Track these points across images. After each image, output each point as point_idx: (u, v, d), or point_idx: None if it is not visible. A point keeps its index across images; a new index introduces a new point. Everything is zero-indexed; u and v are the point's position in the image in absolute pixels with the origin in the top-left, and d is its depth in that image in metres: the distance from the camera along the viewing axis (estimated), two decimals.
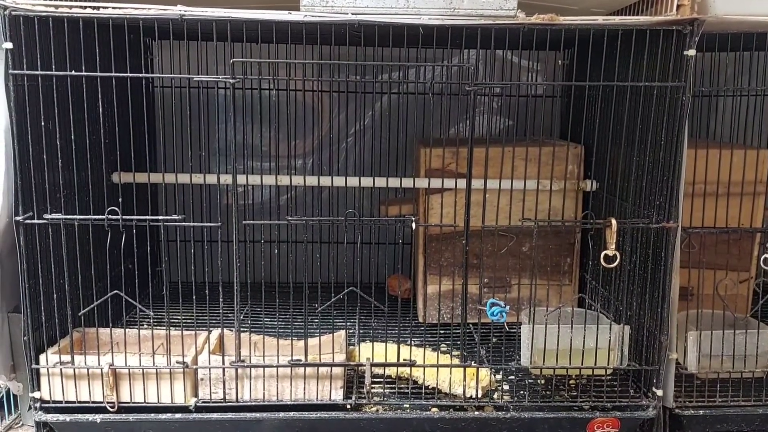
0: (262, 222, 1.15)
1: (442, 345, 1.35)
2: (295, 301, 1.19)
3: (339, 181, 1.38)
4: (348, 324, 1.40)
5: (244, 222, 1.10)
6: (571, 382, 1.25)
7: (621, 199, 1.29)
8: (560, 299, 1.52)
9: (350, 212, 1.09)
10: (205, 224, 1.10)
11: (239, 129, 1.60)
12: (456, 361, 1.24)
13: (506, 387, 1.26)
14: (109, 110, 1.18)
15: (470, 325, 1.42)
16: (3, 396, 1.21)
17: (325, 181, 1.35)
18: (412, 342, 1.30)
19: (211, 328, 1.26)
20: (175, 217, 1.08)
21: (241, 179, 1.38)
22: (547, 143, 1.52)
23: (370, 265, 1.69)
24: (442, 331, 1.47)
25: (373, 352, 1.23)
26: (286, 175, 1.51)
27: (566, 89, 1.70)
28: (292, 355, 1.14)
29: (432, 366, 1.18)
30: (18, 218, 1.06)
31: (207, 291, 1.12)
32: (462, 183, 1.17)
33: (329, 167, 1.69)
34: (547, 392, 1.23)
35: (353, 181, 1.33)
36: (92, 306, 1.10)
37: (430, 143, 1.51)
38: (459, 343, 1.19)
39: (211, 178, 1.40)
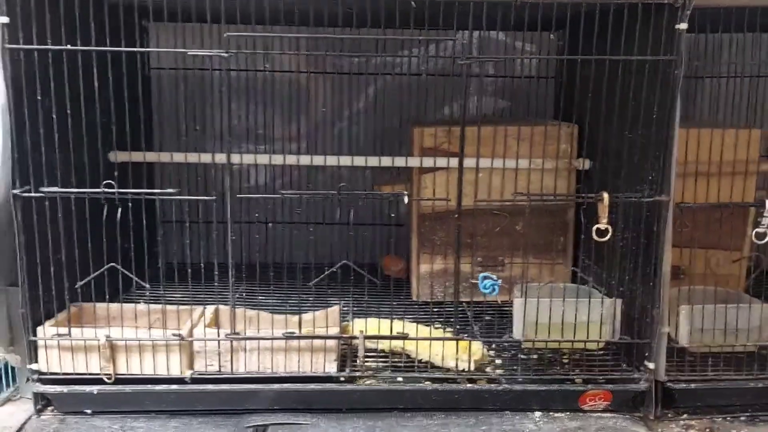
0: (256, 196, 1.16)
1: (435, 323, 1.36)
2: (289, 279, 1.21)
3: (332, 160, 1.39)
4: (342, 302, 1.42)
5: (238, 196, 1.11)
6: (563, 355, 1.26)
7: (614, 176, 1.30)
8: (554, 277, 1.53)
9: (343, 185, 1.10)
10: (201, 198, 1.11)
11: (233, 110, 1.61)
12: (449, 335, 1.25)
13: (498, 362, 1.27)
14: (104, 88, 1.19)
15: (463, 303, 1.44)
16: (1, 369, 1.22)
17: (319, 160, 1.36)
18: (406, 319, 1.31)
19: (206, 305, 1.28)
20: (170, 190, 1.09)
21: (236, 158, 1.39)
22: (540, 122, 1.53)
23: (363, 245, 1.70)
24: (435, 309, 1.48)
25: (366, 327, 1.25)
26: (281, 154, 1.53)
27: (559, 70, 1.71)
28: (286, 329, 1.15)
29: (425, 339, 1.19)
30: (15, 191, 1.07)
31: (202, 268, 1.13)
32: (454, 162, 1.18)
33: (323, 148, 1.70)
34: (540, 366, 1.24)
35: (346, 160, 1.34)
36: (89, 278, 1.11)
37: (424, 123, 1.52)
38: (452, 319, 1.21)
39: (206, 157, 1.41)
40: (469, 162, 1.17)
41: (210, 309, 1.26)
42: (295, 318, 1.22)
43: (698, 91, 1.76)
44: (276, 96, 1.67)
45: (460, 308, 1.48)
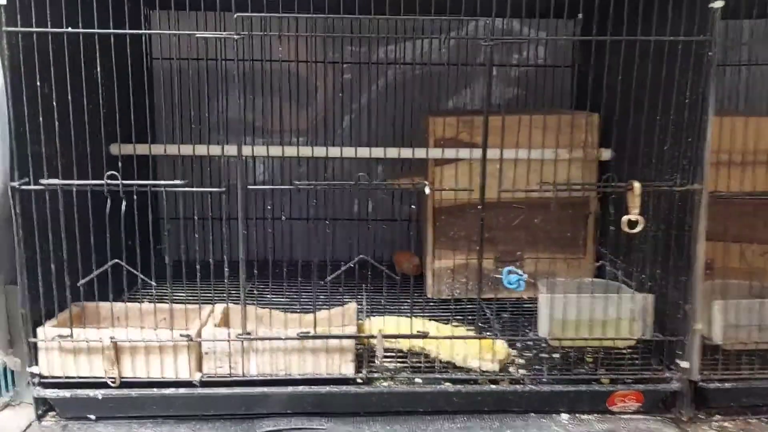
0: (269, 187, 1.10)
1: (453, 321, 1.30)
2: (302, 276, 1.14)
3: (348, 152, 1.33)
4: (357, 300, 1.36)
5: (250, 187, 1.05)
6: (589, 354, 1.20)
7: (642, 165, 1.24)
8: (575, 272, 1.47)
9: (362, 175, 1.04)
10: (210, 189, 1.05)
11: (242, 101, 1.56)
12: (471, 334, 1.19)
13: (521, 361, 1.21)
14: (107, 77, 1.13)
15: (482, 302, 1.38)
16: (0, 372, 1.16)
17: (335, 151, 1.30)
18: (423, 317, 1.25)
19: (215, 304, 1.22)
20: (177, 182, 1.03)
21: (247, 150, 1.33)
22: (564, 112, 1.47)
23: (375, 242, 1.65)
24: (452, 306, 1.42)
25: (384, 325, 1.19)
26: (293, 146, 1.47)
27: (581, 57, 1.65)
28: (300, 328, 1.10)
29: (447, 338, 1.13)
30: (14, 184, 1.01)
31: (211, 265, 1.07)
32: (476, 153, 1.13)
33: (333, 140, 1.64)
34: (565, 366, 1.18)
35: (363, 152, 1.28)
36: (92, 276, 1.05)
37: (438, 113, 1.46)
38: (472, 317, 1.15)
39: (216, 150, 1.35)
40: (491, 153, 1.11)
41: (219, 308, 1.20)
42: (309, 317, 1.16)
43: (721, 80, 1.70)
44: (285, 86, 1.61)
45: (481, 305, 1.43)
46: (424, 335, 1.10)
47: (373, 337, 1.11)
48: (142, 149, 1.34)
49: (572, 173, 1.39)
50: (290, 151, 1.39)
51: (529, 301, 1.40)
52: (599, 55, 1.18)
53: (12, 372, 1.16)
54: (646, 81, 1.13)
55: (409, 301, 1.12)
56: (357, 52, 1.70)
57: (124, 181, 1.02)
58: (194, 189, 1.04)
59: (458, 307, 1.42)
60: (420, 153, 1.39)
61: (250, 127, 1.61)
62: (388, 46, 1.73)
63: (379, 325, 1.20)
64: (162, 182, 1.03)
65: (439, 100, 1.73)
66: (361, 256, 1.07)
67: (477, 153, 1.16)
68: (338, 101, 1.67)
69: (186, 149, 1.32)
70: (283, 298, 1.42)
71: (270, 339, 1.09)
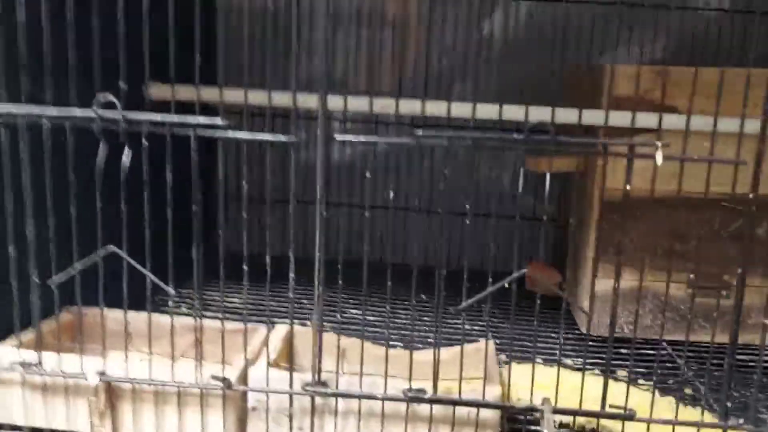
0: (369, 138, 0.65)
1: (631, 377, 0.83)
2: (399, 287, 0.70)
3: (485, 110, 0.86)
4: (474, 329, 0.93)
5: (336, 136, 0.62)
6: None
7: None
8: None
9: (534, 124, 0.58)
10: (275, 137, 0.61)
11: (325, 42, 1.13)
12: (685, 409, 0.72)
13: None
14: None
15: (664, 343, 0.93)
16: None
17: (463, 109, 0.85)
18: (595, 371, 0.79)
19: (272, 320, 0.79)
20: (217, 120, 0.60)
21: (335, 102, 0.89)
22: None
23: (494, 245, 1.18)
24: (621, 350, 0.95)
25: (535, 380, 0.73)
26: (391, 98, 1.02)
27: None
28: (410, 381, 0.65)
29: (666, 422, 0.65)
30: None
31: (269, 264, 0.63)
32: (673, 120, 0.67)
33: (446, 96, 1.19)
34: None
35: (509, 111, 0.83)
36: (89, 260, 0.63)
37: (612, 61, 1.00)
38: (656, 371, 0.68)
39: (284, 99, 0.91)
40: (697, 122, 0.65)
41: (280, 330, 0.77)
42: (423, 357, 0.72)
43: None
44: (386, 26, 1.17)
45: (664, 351, 0.96)
46: (628, 416, 0.63)
47: (534, 409, 0.65)
48: (187, 93, 0.91)
49: None
50: (388, 104, 0.95)
51: (745, 346, 0.92)
52: None
53: None
54: None
55: (553, 337, 0.67)
56: None
57: (150, 116, 0.60)
58: (260, 136, 0.61)
59: (624, 348, 0.95)
60: (594, 117, 0.92)
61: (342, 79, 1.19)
62: None
63: (523, 376, 0.74)
64: (217, 122, 0.60)
65: (590, 54, 1.26)
66: (523, 270, 0.62)
67: (673, 121, 0.70)
68: (461, 43, 1.22)
69: (257, 96, 0.87)
70: (373, 315, 0.99)
71: (360, 398, 0.64)
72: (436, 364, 0.65)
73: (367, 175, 0.65)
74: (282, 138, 0.61)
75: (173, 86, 0.63)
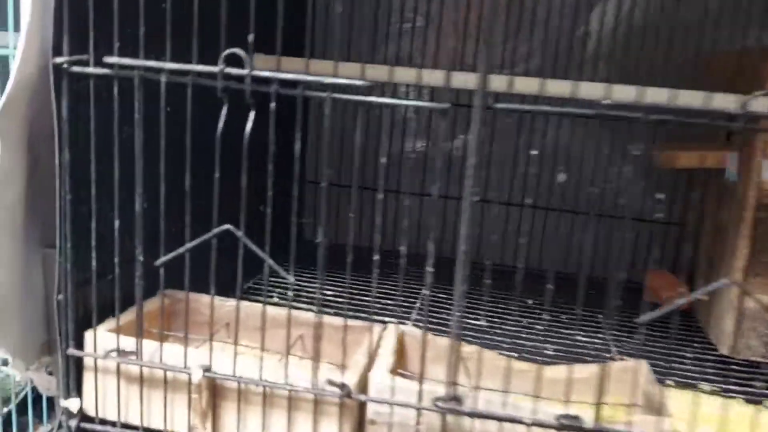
0: (537, 108, 0.54)
1: None
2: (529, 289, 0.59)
3: (623, 91, 0.75)
4: (595, 341, 0.83)
5: (497, 105, 0.51)
6: None
7: None
8: None
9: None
10: (424, 103, 0.52)
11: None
12: None
13: None
14: None
15: None
16: (29, 393, 0.70)
17: (591, 90, 0.74)
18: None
19: (385, 319, 0.71)
20: (357, 81, 0.51)
21: (460, 78, 0.78)
22: None
23: (610, 251, 1.06)
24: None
25: (698, 413, 0.61)
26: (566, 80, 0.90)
27: None
28: (539, 394, 0.55)
29: None
30: (58, 60, 0.54)
31: (377, 255, 0.53)
32: None
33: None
34: None
35: (658, 94, 0.71)
36: (200, 240, 0.56)
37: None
38: None
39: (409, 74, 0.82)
40: None
41: (389, 334, 0.68)
42: (557, 373, 0.62)
43: None
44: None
45: None
46: None
47: None
48: (291, 65, 0.83)
49: None
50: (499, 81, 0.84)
51: None
52: None
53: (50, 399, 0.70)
54: None
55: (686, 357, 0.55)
56: None
57: (256, 72, 0.51)
58: (390, 101, 0.52)
59: None
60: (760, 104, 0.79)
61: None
62: None
63: (683, 407, 0.63)
64: (326, 79, 0.51)
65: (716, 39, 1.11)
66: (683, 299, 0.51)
67: None
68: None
69: (376, 72, 0.78)
70: (495, 322, 0.89)
71: (502, 420, 0.55)
72: (596, 386, 0.54)
73: (561, 178, 0.55)
74: (432, 105, 0.52)
75: (279, 58, 0.54)
